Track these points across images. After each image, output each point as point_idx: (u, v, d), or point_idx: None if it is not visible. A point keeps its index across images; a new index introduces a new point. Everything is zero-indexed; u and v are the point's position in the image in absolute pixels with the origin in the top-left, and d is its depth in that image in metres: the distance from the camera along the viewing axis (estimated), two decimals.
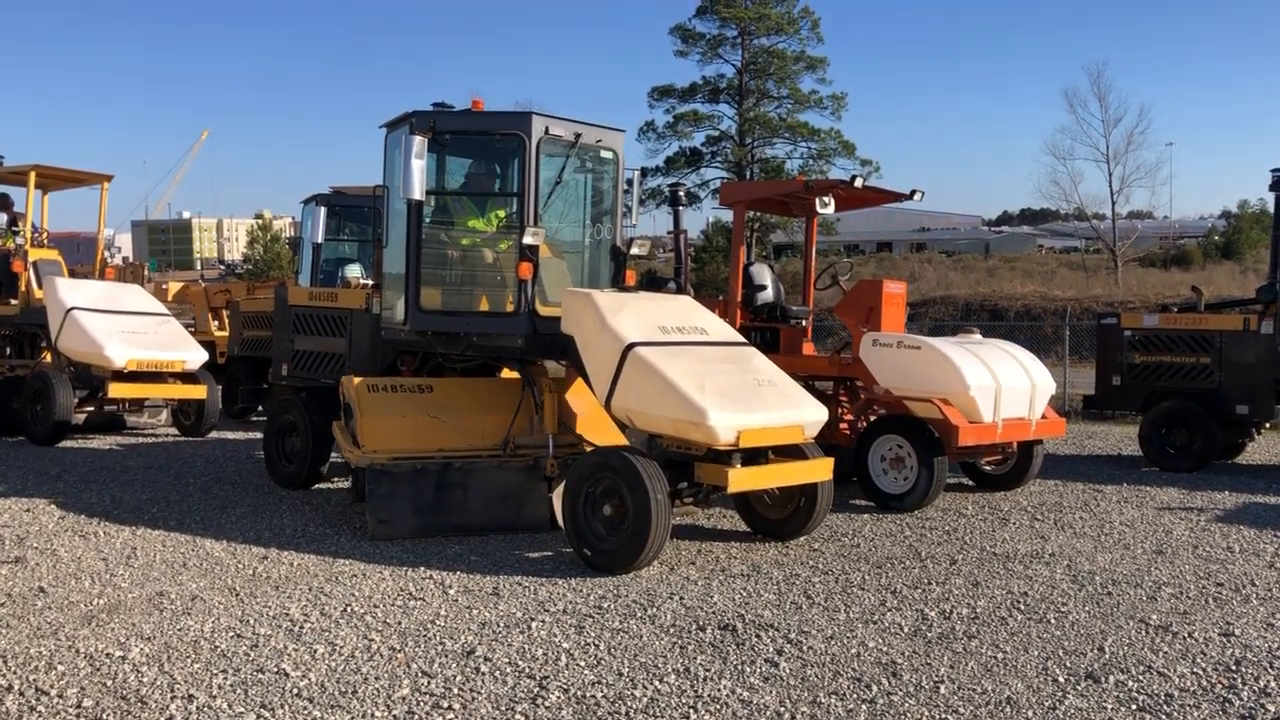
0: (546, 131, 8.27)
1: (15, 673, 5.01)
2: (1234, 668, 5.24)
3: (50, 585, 6.55)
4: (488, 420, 8.44)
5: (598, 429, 8.47)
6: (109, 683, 4.89)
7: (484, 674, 5.06)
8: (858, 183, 10.13)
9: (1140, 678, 5.08)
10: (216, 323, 18.11)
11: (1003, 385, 9.31)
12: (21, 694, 4.75)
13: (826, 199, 10.18)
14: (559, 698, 4.78)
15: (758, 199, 12.64)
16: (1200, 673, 5.16)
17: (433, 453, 8.14)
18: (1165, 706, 4.72)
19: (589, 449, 8.11)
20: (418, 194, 8.01)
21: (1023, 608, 6.24)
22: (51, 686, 4.83)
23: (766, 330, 10.78)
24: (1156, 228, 70.17)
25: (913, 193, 10.67)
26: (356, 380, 8.52)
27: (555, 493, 7.79)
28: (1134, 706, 4.72)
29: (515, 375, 9.28)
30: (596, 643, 5.53)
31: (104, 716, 4.50)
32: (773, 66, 47.70)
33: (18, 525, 8.27)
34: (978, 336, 10.63)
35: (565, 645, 5.48)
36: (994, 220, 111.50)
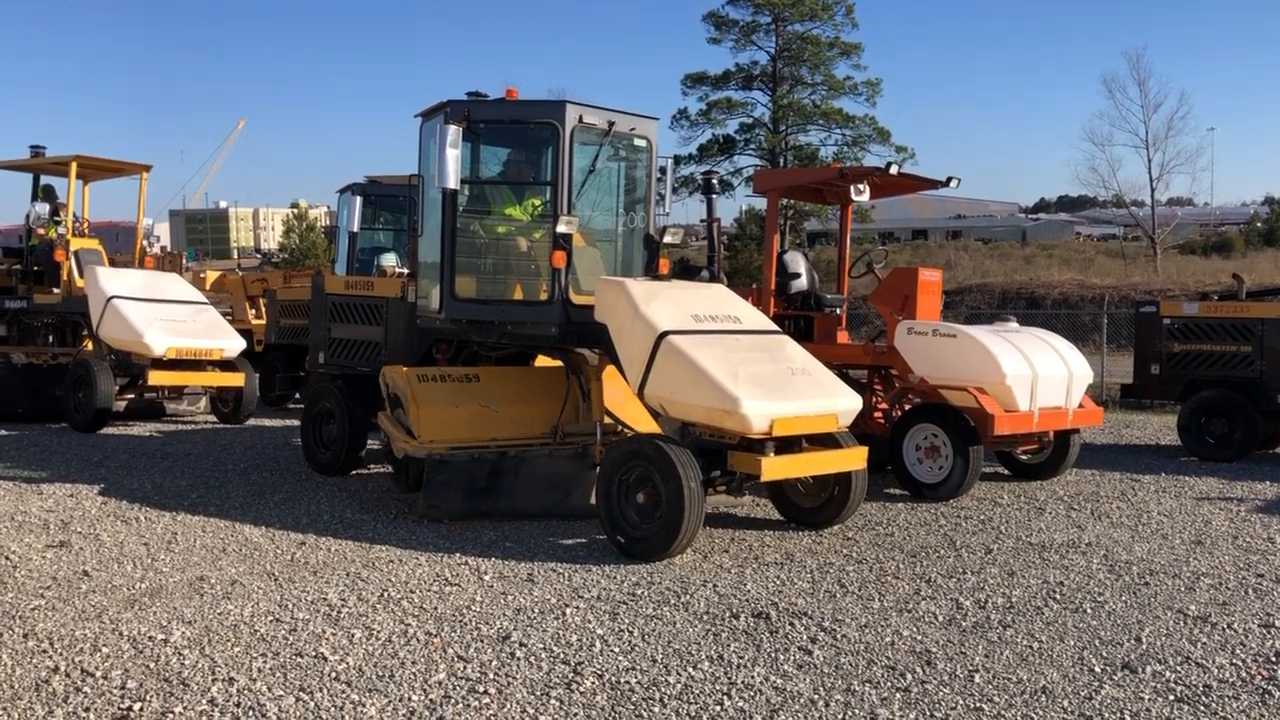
0: (580, 120, 8.28)
1: (61, 654, 5.11)
2: (1274, 659, 5.18)
3: (94, 569, 6.67)
4: (535, 408, 8.53)
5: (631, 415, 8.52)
6: (152, 665, 4.97)
7: (519, 659, 5.10)
8: (893, 169, 10.08)
9: (1178, 668, 5.04)
10: (254, 311, 18.26)
11: (1039, 374, 9.24)
12: (68, 675, 4.85)
13: (861, 186, 10.13)
14: (593, 683, 4.81)
15: (792, 186, 12.59)
16: (1239, 664, 5.11)
17: (486, 442, 8.19)
18: (1204, 698, 4.68)
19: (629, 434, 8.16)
20: (452, 183, 8.04)
21: (1059, 597, 6.20)
22: (96, 668, 4.92)
23: (800, 318, 10.75)
24: (1197, 214, 69.29)
25: (949, 179, 10.60)
26: (405, 370, 8.56)
27: None
28: (1171, 697, 4.69)
29: (552, 363, 9.33)
30: (630, 629, 5.56)
31: (147, 698, 4.58)
32: (806, 53, 47.36)
33: (62, 510, 8.42)
34: (1014, 325, 10.55)
35: (599, 631, 5.51)
36: (1031, 207, 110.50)
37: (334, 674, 4.88)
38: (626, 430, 8.42)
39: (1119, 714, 4.49)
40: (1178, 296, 21.10)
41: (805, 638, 5.45)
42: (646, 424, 8.34)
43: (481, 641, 5.35)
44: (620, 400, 8.55)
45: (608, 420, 8.48)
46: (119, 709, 4.47)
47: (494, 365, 9.24)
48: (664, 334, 7.29)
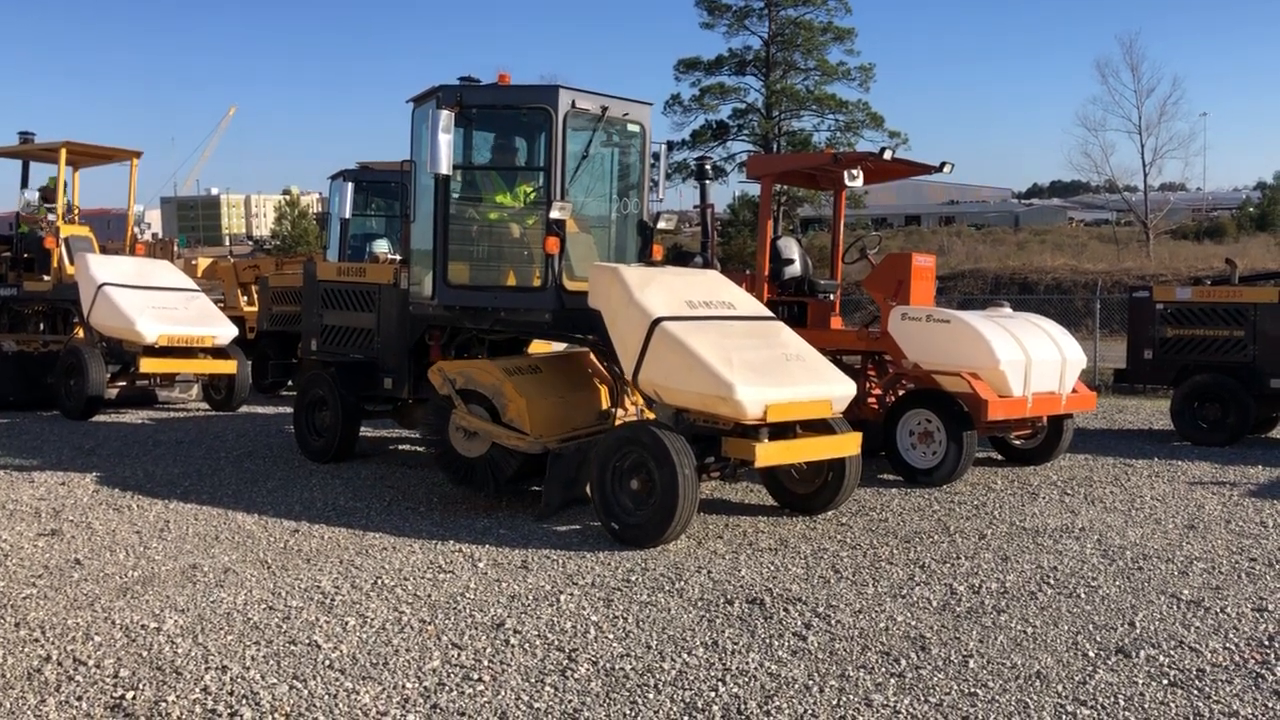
0: (573, 105, 8.23)
1: (53, 643, 5.09)
2: (1267, 643, 5.20)
3: (86, 558, 6.64)
4: (584, 395, 8.50)
5: None
6: (144, 653, 4.96)
7: (513, 646, 5.10)
8: (887, 155, 10.06)
9: (1172, 653, 5.05)
10: (246, 298, 18.23)
11: (1033, 359, 9.24)
12: (60, 664, 4.83)
13: (855, 171, 10.10)
14: (588, 670, 4.81)
15: (785, 172, 12.56)
16: (1233, 648, 5.13)
17: (570, 431, 8.08)
18: (1197, 681, 4.69)
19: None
20: (445, 169, 8.00)
21: (1052, 582, 6.21)
22: (89, 657, 4.90)
23: (794, 304, 10.73)
24: (1189, 199, 69.42)
25: (942, 165, 10.58)
26: (489, 364, 8.38)
27: None
28: (1165, 681, 4.70)
29: (545, 347, 9.31)
30: (625, 616, 5.55)
31: (140, 686, 4.56)
32: (800, 38, 47.21)
33: (54, 498, 8.39)
34: (1007, 310, 10.55)
35: (594, 618, 5.51)
36: (1024, 193, 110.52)
37: (328, 662, 4.87)
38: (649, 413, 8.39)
39: (1113, 699, 4.50)
40: (1171, 282, 21.12)
41: (800, 623, 5.45)
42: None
43: (476, 629, 5.35)
44: None
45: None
46: (111, 698, 4.45)
47: (549, 354, 9.19)
48: (658, 320, 7.26)
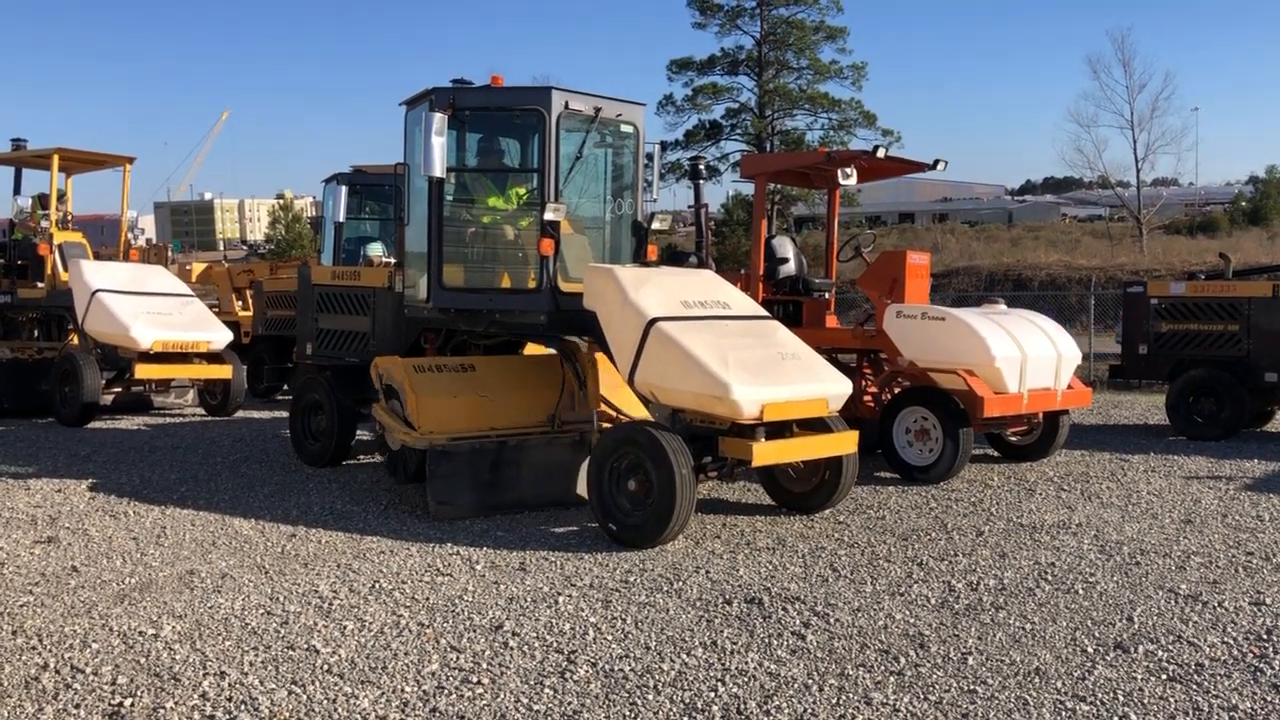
0: (566, 106, 8.23)
1: (51, 651, 5.07)
2: (1265, 637, 5.20)
3: (82, 564, 6.63)
4: (530, 397, 8.48)
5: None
6: (142, 660, 4.94)
7: (512, 649, 5.09)
8: (880, 153, 10.05)
9: (1170, 647, 5.05)
10: (240, 303, 18.20)
11: (1028, 356, 9.25)
12: (57, 672, 4.81)
13: (848, 170, 10.10)
14: (587, 671, 4.80)
15: (779, 171, 12.57)
16: (1231, 642, 5.13)
17: (485, 431, 8.10)
18: (1196, 676, 4.70)
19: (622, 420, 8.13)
20: (438, 171, 7.99)
21: (1050, 578, 6.22)
22: (86, 664, 4.89)
23: (789, 303, 10.74)
24: (1182, 195, 69.60)
25: (935, 162, 10.59)
26: (401, 361, 8.49)
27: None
28: (1164, 676, 4.70)
29: (542, 350, 9.31)
30: (623, 617, 5.55)
31: (138, 693, 4.55)
32: (792, 37, 47.23)
33: (50, 505, 8.37)
34: (1002, 307, 10.56)
35: (592, 619, 5.50)
36: (1017, 189, 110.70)
37: (326, 666, 4.86)
38: (622, 417, 8.40)
39: (1112, 694, 4.50)
40: (1164, 277, 21.17)
41: (798, 622, 5.45)
42: (641, 410, 8.32)
43: (474, 631, 5.34)
44: (614, 386, 8.51)
45: (603, 408, 8.46)
46: (110, 705, 4.44)
47: (487, 354, 9.20)
48: (653, 320, 7.27)
